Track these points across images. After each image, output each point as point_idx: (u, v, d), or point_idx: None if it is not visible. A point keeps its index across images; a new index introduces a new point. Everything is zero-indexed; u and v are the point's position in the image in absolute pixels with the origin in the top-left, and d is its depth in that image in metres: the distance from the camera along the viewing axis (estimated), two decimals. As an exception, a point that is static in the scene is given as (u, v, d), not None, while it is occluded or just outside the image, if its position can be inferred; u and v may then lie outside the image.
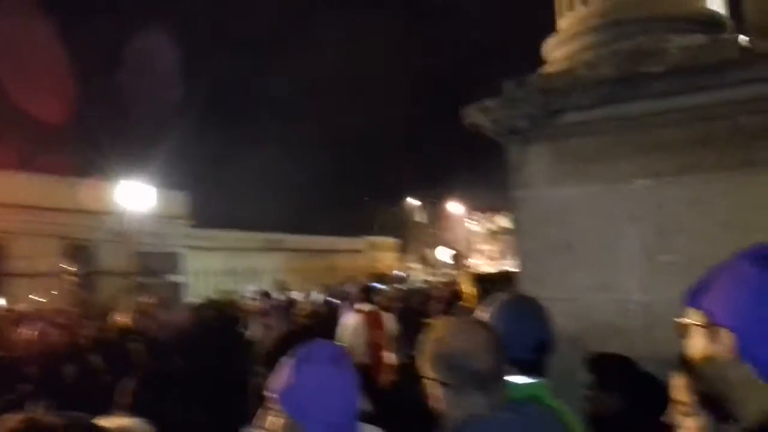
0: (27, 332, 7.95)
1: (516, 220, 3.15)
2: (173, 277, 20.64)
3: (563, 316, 2.83)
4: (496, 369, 1.72)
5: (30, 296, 10.46)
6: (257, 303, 10.27)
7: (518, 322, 2.02)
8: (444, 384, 1.72)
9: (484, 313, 2.11)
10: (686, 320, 1.47)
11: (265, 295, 12.03)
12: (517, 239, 3.13)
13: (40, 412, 1.13)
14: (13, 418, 1.13)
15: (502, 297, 2.20)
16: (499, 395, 1.72)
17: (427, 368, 1.76)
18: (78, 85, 29.57)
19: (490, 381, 1.70)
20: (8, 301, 12.22)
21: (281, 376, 1.78)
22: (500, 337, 1.79)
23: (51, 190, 21.78)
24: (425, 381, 1.77)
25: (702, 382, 1.55)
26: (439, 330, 1.80)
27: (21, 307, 10.08)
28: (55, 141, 27.05)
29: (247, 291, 20.21)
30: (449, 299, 11.79)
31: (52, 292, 11.44)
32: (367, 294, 7.58)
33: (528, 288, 2.94)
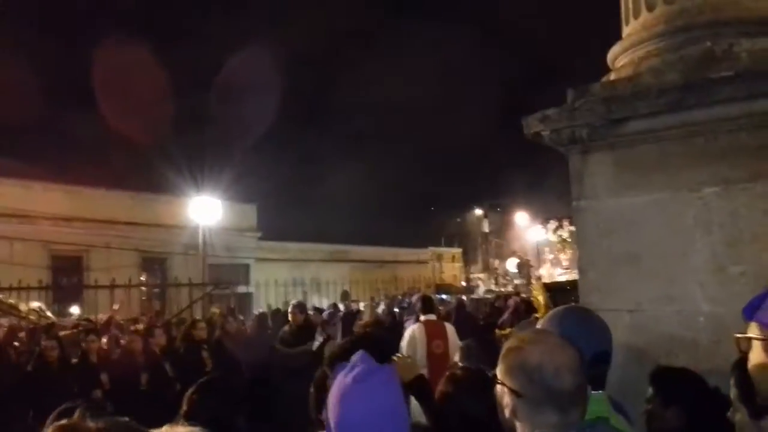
0: (103, 341, 8.33)
1: (578, 230, 3.10)
2: (242, 288, 21.14)
3: (627, 328, 2.76)
4: (576, 390, 1.69)
5: (111, 306, 10.91)
6: (322, 314, 10.41)
7: (575, 333, 1.99)
8: (520, 395, 1.68)
9: (542, 325, 2.09)
10: (746, 335, 1.43)
11: (332, 306, 12.19)
12: (579, 249, 3.08)
13: (78, 417, 1.15)
14: (55, 425, 1.15)
15: (558, 308, 2.17)
16: (574, 417, 1.69)
17: (504, 376, 1.73)
18: (158, 106, 30.93)
19: (567, 401, 1.66)
20: (86, 311, 12.82)
21: (331, 397, 1.79)
22: (582, 358, 1.75)
23: (128, 206, 22.82)
24: (499, 389, 1.74)
25: (757, 392, 1.50)
26: (525, 340, 1.77)
27: (99, 317, 10.55)
28: (132, 159, 28.32)
29: (313, 301, 20.52)
30: (517, 309, 11.62)
31: (128, 302, 11.91)
32: (430, 304, 7.56)
33: (590, 299, 2.89)
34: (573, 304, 2.64)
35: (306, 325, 8.38)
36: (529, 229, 44.82)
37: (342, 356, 2.24)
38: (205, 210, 20.21)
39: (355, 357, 1.83)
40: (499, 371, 1.75)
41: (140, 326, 9.69)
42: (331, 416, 1.75)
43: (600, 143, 2.96)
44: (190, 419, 2.45)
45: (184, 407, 2.68)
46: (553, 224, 23.71)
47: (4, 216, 19.46)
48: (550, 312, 2.15)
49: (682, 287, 2.76)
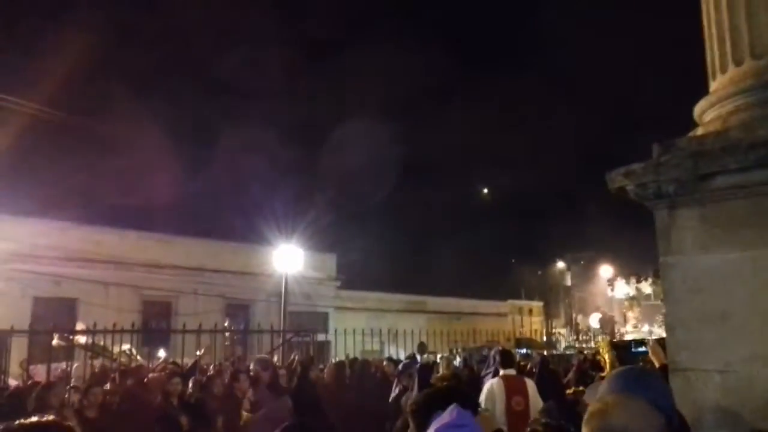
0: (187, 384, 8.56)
1: (665, 287, 3.03)
2: (321, 336, 21.38)
3: (719, 390, 2.66)
4: None
5: (196, 351, 11.27)
6: (396, 365, 10.37)
7: (633, 390, 1.96)
8: None
9: (603, 382, 2.06)
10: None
11: (410, 357, 12.12)
12: (666, 307, 3.00)
13: None
14: None
15: (618, 368, 2.15)
16: None
17: None
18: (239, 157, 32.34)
19: None
20: (173, 354, 13.26)
21: None
22: (675, 421, 1.72)
23: (214, 254, 23.76)
24: None
25: None
26: (608, 403, 1.74)
27: (185, 361, 10.90)
28: (218, 208, 29.53)
29: (389, 352, 20.43)
30: (580, 368, 11.24)
31: (213, 347, 12.27)
32: (510, 358, 7.42)
33: (679, 359, 2.80)
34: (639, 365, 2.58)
35: (273, 383, 7.99)
36: (613, 283, 43.30)
37: (426, 407, 2.28)
38: (287, 258, 20.73)
39: (451, 409, 1.88)
40: None
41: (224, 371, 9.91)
42: None
43: (687, 198, 2.91)
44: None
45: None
46: (620, 281, 22.90)
47: (101, 262, 20.63)
48: (612, 372, 2.13)
49: (778, 348, 2.64)
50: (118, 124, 27.31)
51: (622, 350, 11.75)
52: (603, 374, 11.70)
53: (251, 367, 9.38)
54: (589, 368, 11.87)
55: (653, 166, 2.94)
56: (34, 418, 1.58)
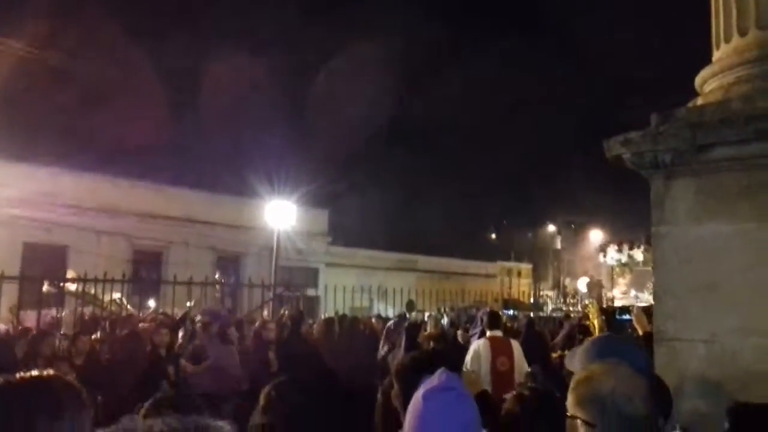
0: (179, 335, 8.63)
1: (656, 256, 3.04)
2: (311, 292, 21.53)
3: (703, 360, 2.70)
4: (650, 417, 1.68)
5: (187, 302, 11.32)
6: (385, 323, 10.48)
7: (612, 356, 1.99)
8: (591, 426, 1.67)
9: (579, 348, 2.09)
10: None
11: (400, 316, 12.24)
12: (656, 276, 3.02)
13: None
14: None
15: (594, 336, 2.19)
16: None
17: (575, 408, 1.72)
18: (241, 109, 31.99)
19: (641, 429, 1.67)
20: (162, 305, 13.34)
21: (409, 414, 1.85)
22: (659, 387, 1.75)
23: (207, 205, 23.69)
24: (569, 420, 1.74)
25: None
26: (594, 371, 1.77)
27: (175, 312, 10.97)
28: (212, 159, 29.35)
29: (378, 309, 20.63)
30: (570, 334, 11.37)
31: (203, 299, 12.34)
32: (497, 320, 7.48)
33: (665, 327, 2.83)
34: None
35: (222, 334, 8.19)
36: (604, 249, 43.61)
37: (413, 370, 2.30)
38: (279, 213, 20.70)
39: (439, 372, 1.90)
40: (570, 403, 1.75)
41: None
42: (409, 426, 1.82)
43: (684, 169, 2.90)
44: (268, 413, 2.58)
45: (262, 402, 2.80)
46: (612, 247, 22.98)
47: (93, 210, 20.55)
48: (588, 340, 2.16)
49: (764, 320, 2.67)
50: (115, 72, 26.84)
51: (611, 315, 11.82)
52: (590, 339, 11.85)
53: (198, 318, 9.46)
54: (577, 333, 12.03)
55: (651, 136, 2.91)
56: (34, 372, 1.58)
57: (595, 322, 9.81)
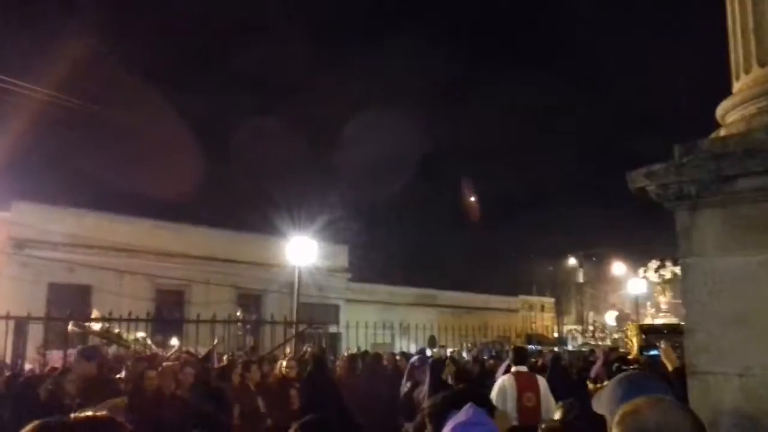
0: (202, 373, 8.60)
1: (685, 289, 3.01)
2: (332, 328, 21.45)
3: (738, 394, 2.65)
4: None
5: (210, 340, 11.34)
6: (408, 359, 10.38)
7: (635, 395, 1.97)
8: None
9: (604, 391, 2.07)
10: None
11: (421, 352, 12.14)
12: (686, 309, 2.98)
13: None
14: None
15: (620, 376, 2.17)
16: None
17: None
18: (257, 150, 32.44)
19: None
20: (185, 344, 13.36)
21: None
22: (701, 421, 1.73)
23: (227, 243, 23.88)
24: None
25: None
26: (640, 404, 1.75)
27: (198, 350, 10.99)
28: (232, 198, 29.67)
29: (400, 345, 20.47)
30: (607, 360, 11.14)
31: (227, 337, 12.36)
32: (523, 355, 7.42)
33: (698, 361, 2.79)
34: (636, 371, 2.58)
35: (99, 378, 6.57)
36: (627, 280, 43.03)
37: (442, 407, 2.29)
38: (300, 250, 20.77)
39: (467, 408, 1.89)
40: None
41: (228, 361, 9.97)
42: None
43: (709, 200, 2.89)
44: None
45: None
46: (654, 264, 22.56)
47: (115, 250, 20.80)
48: (614, 380, 2.13)
49: (800, 353, 2.62)
50: (134, 113, 27.46)
51: (654, 335, 11.54)
52: (630, 357, 11.51)
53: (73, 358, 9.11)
54: (615, 359, 11.79)
55: (675, 167, 2.91)
56: (88, 412, 1.59)
57: (634, 340, 9.64)
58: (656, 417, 1.67)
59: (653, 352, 11.68)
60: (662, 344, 5.58)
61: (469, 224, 43.76)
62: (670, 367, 4.69)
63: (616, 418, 1.73)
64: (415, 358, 9.95)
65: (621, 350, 13.18)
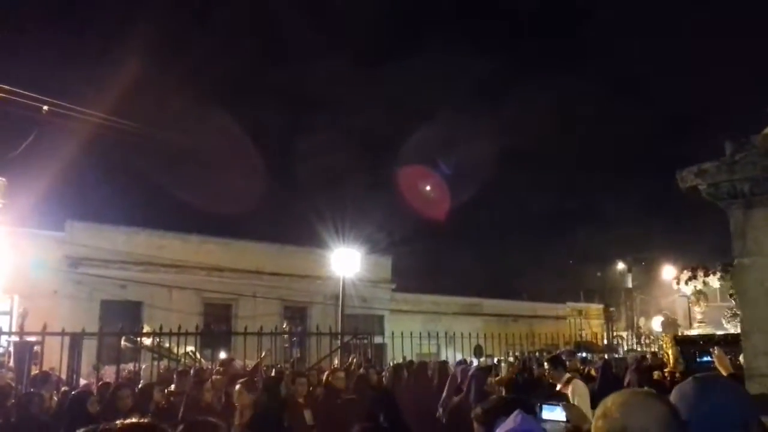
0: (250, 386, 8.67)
1: (740, 289, 2.91)
2: (377, 339, 21.45)
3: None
4: None
5: (257, 353, 11.47)
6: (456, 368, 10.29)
7: (719, 401, 1.90)
8: None
9: (677, 392, 1.99)
10: None
11: (462, 362, 12.04)
12: (742, 310, 2.88)
13: None
14: None
15: (697, 376, 2.08)
16: None
17: None
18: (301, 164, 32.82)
19: None
20: (234, 357, 13.53)
21: None
22: (679, 413, 1.68)
23: (273, 257, 24.16)
24: None
25: None
26: (614, 401, 1.71)
27: (246, 363, 11.11)
28: (275, 212, 30.03)
29: (446, 354, 20.30)
30: (639, 367, 10.85)
31: (274, 350, 12.47)
32: (563, 363, 7.28)
33: (757, 363, 2.68)
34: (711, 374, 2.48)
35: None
36: (673, 283, 41.86)
37: (491, 414, 2.26)
38: (344, 261, 20.86)
39: (515, 414, 1.87)
40: None
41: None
42: None
43: (764, 198, 2.79)
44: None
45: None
46: (686, 275, 21.95)
47: (164, 266, 21.25)
48: (689, 382, 2.04)
49: None
50: (181, 132, 28.10)
51: (688, 346, 11.21)
52: (666, 370, 11.26)
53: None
54: (649, 368, 11.50)
55: (727, 165, 2.83)
56: (133, 419, 1.63)
57: (670, 352, 9.37)
58: (635, 414, 1.63)
59: (706, 359, 11.34)
60: (715, 350, 5.40)
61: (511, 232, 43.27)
62: (724, 373, 4.54)
63: (593, 421, 1.70)
64: (459, 367, 9.88)
65: (652, 359, 12.83)
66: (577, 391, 6.56)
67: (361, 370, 10.00)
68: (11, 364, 10.90)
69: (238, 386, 7.15)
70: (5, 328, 11.16)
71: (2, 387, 8.42)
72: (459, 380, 8.74)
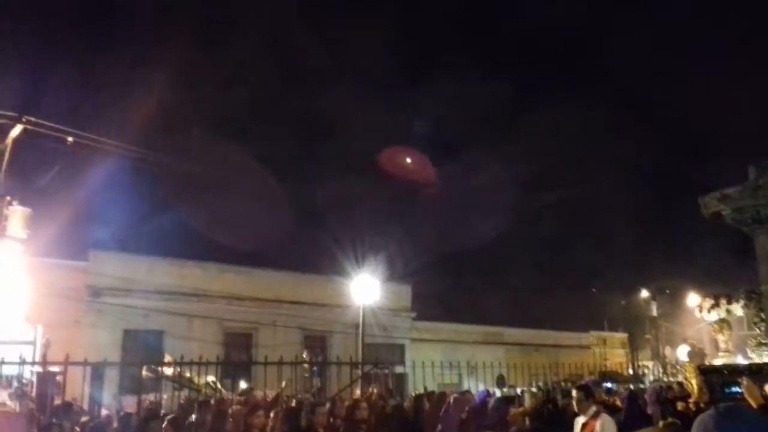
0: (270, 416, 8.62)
1: (767, 316, 2.84)
2: (398, 368, 21.25)
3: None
4: None
5: (278, 382, 11.41)
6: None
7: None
8: None
9: (698, 424, 1.95)
10: None
11: (485, 392, 11.88)
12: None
13: None
14: None
15: (719, 406, 2.03)
16: None
17: None
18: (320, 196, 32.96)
19: None
20: (254, 386, 13.46)
21: None
22: None
23: (293, 286, 24.17)
24: None
25: None
26: None
27: (266, 392, 11.05)
28: (293, 241, 30.13)
29: (468, 384, 20.04)
30: (658, 399, 10.57)
31: (294, 379, 12.40)
32: (593, 393, 7.13)
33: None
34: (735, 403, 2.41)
35: None
36: (698, 311, 41.01)
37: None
38: (364, 290, 20.78)
39: None
40: None
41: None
42: None
43: (790, 223, 2.74)
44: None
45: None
46: (708, 303, 21.52)
47: (185, 295, 21.34)
48: (710, 413, 1.99)
49: None
50: (198, 162, 28.39)
51: (713, 375, 10.96)
52: (691, 400, 11.01)
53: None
54: (673, 398, 11.24)
55: (750, 190, 2.80)
56: None
57: (693, 382, 9.15)
58: None
59: (735, 389, 11.06)
60: (744, 380, 5.26)
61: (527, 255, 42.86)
62: (754, 405, 4.41)
63: None
64: (479, 396, 9.75)
65: (678, 389, 12.54)
66: (606, 428, 6.41)
67: (381, 402, 9.90)
68: (33, 394, 10.95)
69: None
70: (28, 358, 11.23)
71: (26, 415, 8.46)
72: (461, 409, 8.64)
